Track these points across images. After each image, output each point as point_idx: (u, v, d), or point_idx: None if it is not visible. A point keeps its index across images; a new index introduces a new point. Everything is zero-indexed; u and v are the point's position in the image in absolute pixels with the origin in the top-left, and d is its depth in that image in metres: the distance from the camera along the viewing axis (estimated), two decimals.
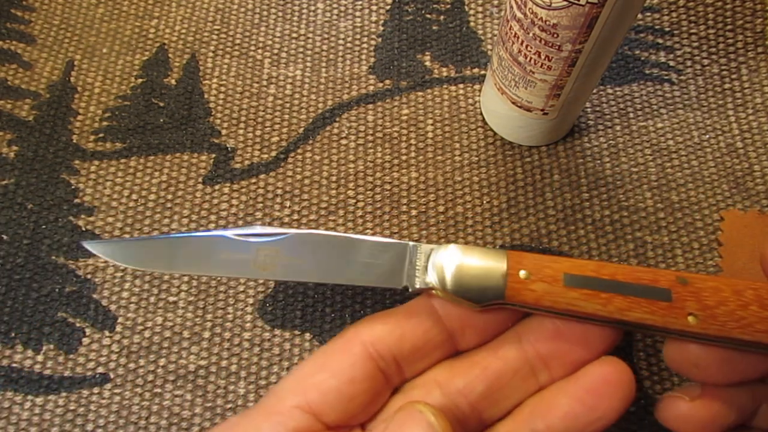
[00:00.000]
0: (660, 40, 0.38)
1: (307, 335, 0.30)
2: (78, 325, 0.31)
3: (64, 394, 0.29)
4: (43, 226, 0.33)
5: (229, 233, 0.21)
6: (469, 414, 0.21)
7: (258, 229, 0.21)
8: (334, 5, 0.40)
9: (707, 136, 0.36)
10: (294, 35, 0.39)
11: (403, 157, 0.35)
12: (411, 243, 0.21)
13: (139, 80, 0.37)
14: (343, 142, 0.35)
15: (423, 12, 0.40)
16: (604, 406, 0.20)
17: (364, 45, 0.38)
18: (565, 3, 0.25)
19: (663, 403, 0.22)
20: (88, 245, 0.21)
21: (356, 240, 0.21)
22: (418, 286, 0.21)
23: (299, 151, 0.35)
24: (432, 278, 0.20)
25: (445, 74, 0.37)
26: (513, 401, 0.22)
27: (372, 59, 0.38)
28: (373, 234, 0.33)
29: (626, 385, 0.20)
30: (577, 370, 0.21)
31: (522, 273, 0.20)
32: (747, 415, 0.22)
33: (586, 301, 0.20)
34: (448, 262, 0.20)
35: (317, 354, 0.21)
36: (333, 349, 0.21)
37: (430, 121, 0.36)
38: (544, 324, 0.22)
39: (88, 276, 0.32)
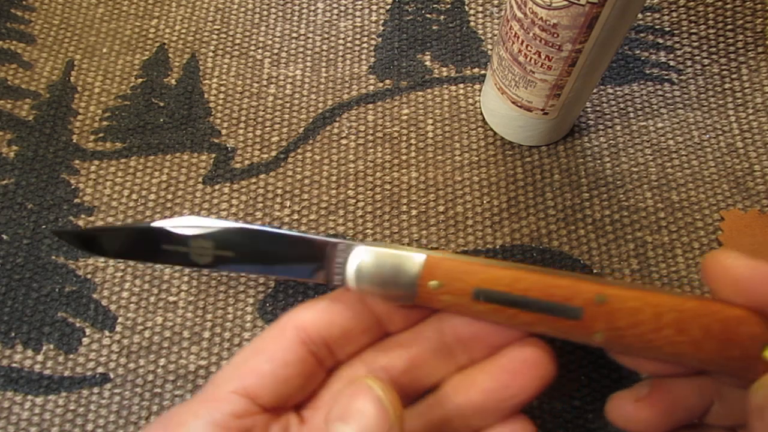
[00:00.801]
0: (660, 40, 0.38)
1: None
2: (78, 325, 0.31)
3: (64, 394, 0.29)
4: (43, 226, 0.33)
5: (168, 225, 0.21)
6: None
7: (193, 221, 0.21)
8: (334, 5, 0.40)
9: (707, 136, 0.36)
10: (294, 35, 0.39)
11: (403, 157, 0.35)
12: (333, 240, 0.21)
13: (139, 80, 0.37)
14: (343, 142, 0.35)
15: (423, 12, 0.40)
16: (519, 384, 0.21)
17: (364, 45, 0.38)
18: (565, 3, 0.25)
19: (610, 404, 0.23)
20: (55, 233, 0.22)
21: (281, 235, 0.21)
22: (335, 284, 0.21)
23: (299, 151, 0.35)
24: (346, 277, 0.21)
25: (445, 74, 0.37)
26: (433, 379, 0.23)
27: (372, 59, 0.38)
28: (372, 234, 0.33)
29: (544, 365, 0.21)
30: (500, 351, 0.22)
31: (432, 283, 0.20)
32: (697, 413, 0.22)
33: (492, 315, 0.20)
34: (361, 262, 0.20)
35: (254, 341, 0.22)
36: (268, 336, 0.21)
37: (430, 121, 0.36)
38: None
39: (88, 276, 0.32)
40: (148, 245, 0.22)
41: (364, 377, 0.20)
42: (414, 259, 0.20)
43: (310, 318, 0.21)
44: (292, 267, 0.21)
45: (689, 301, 0.19)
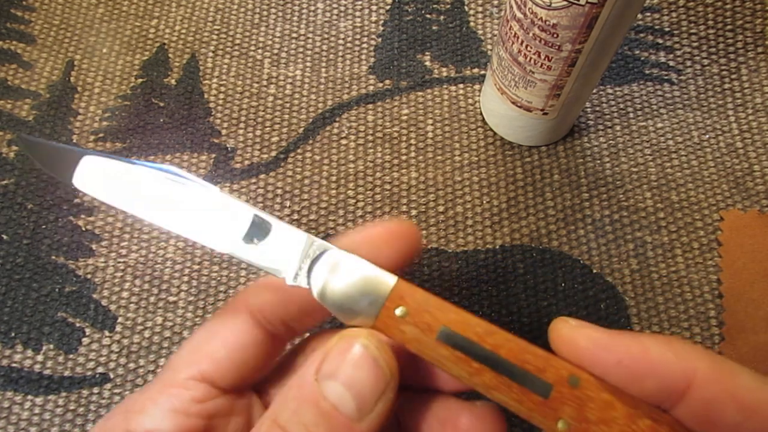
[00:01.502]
0: (660, 40, 0.38)
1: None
2: (78, 325, 0.31)
3: (64, 394, 0.29)
4: (43, 226, 0.33)
5: (149, 163, 0.21)
6: None
7: (176, 170, 0.21)
8: (334, 5, 0.40)
9: (707, 136, 0.36)
10: (294, 35, 0.39)
11: (403, 157, 0.35)
12: (307, 237, 0.20)
13: (139, 80, 0.37)
14: (343, 142, 0.35)
15: (423, 12, 0.40)
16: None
17: (364, 45, 0.38)
18: (565, 3, 0.25)
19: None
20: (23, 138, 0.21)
21: (260, 219, 0.20)
22: (296, 284, 0.19)
23: (299, 151, 0.35)
24: (308, 281, 0.19)
25: (445, 74, 0.38)
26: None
27: (372, 59, 0.38)
28: None
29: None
30: None
31: (398, 310, 0.18)
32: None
33: (454, 364, 0.18)
34: (327, 271, 0.19)
35: (208, 323, 0.21)
36: (223, 318, 0.21)
37: (430, 121, 0.36)
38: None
39: (88, 276, 0.32)
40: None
41: (353, 332, 0.18)
42: (385, 279, 0.19)
43: (266, 298, 0.20)
44: (259, 253, 0.20)
45: (667, 415, 0.17)
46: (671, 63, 0.38)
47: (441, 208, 0.34)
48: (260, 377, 0.22)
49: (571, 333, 0.18)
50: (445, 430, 0.20)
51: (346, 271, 0.19)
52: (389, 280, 0.19)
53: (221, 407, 0.20)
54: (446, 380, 0.21)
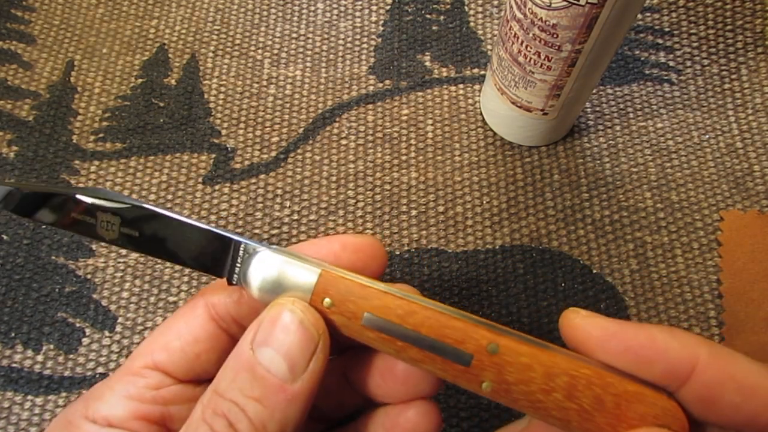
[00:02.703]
0: (660, 40, 0.38)
1: None
2: (78, 325, 0.31)
3: (64, 394, 0.29)
4: (43, 226, 0.33)
5: (78, 194, 0.21)
6: None
7: (105, 194, 0.21)
8: (334, 5, 0.40)
9: (707, 136, 0.36)
10: (294, 35, 0.39)
11: (403, 157, 0.35)
12: (236, 239, 0.21)
13: (139, 80, 0.37)
14: (343, 142, 0.35)
15: (423, 12, 0.40)
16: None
17: (364, 45, 0.38)
18: (564, 3, 0.25)
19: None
20: None
21: (186, 224, 0.21)
22: (234, 283, 0.21)
23: (299, 151, 0.35)
24: (242, 280, 0.20)
25: (445, 74, 0.38)
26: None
27: (372, 59, 0.38)
28: (372, 233, 0.33)
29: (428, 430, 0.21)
30: None
31: (326, 301, 0.20)
32: None
33: (381, 344, 0.20)
34: (257, 269, 0.20)
35: (168, 318, 0.22)
36: (181, 312, 0.22)
37: (430, 121, 0.36)
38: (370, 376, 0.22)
39: (88, 276, 0.32)
40: (57, 209, 0.21)
41: (282, 300, 0.20)
42: (311, 272, 0.20)
43: (220, 297, 0.21)
44: (193, 257, 0.21)
45: (585, 368, 0.18)
46: (671, 63, 0.38)
47: (441, 208, 0.34)
48: (215, 370, 0.22)
49: (582, 323, 0.19)
50: (385, 380, 0.21)
51: (273, 268, 0.20)
52: (313, 273, 0.20)
53: (177, 395, 0.21)
54: None
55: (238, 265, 0.21)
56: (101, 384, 0.21)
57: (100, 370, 0.30)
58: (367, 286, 0.20)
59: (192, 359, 0.21)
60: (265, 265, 0.20)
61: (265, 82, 0.37)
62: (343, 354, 0.23)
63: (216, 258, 0.21)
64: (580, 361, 0.19)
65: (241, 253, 0.21)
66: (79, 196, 0.21)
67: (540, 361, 0.19)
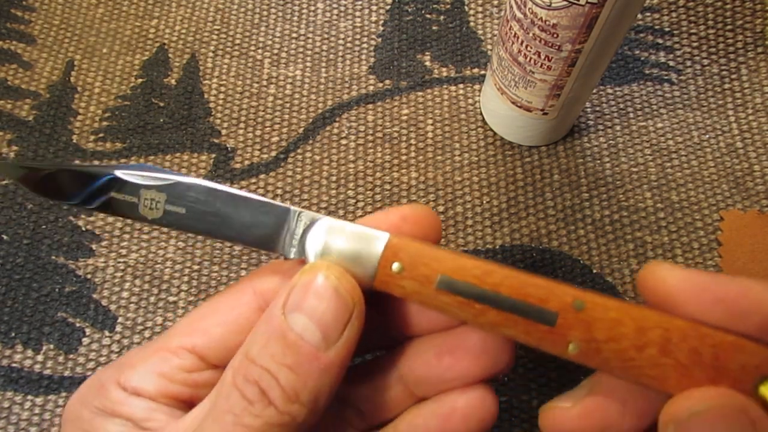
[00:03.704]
0: (660, 40, 0.38)
1: None
2: (78, 325, 0.31)
3: (64, 394, 0.29)
4: (43, 226, 0.33)
5: (119, 172, 0.20)
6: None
7: (148, 170, 0.20)
8: (334, 5, 0.40)
9: (707, 136, 0.36)
10: (294, 35, 0.39)
11: (403, 157, 0.35)
12: (294, 209, 0.20)
13: (139, 80, 0.37)
14: (343, 142, 0.35)
15: (423, 12, 0.40)
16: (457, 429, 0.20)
17: (364, 45, 0.38)
18: (564, 3, 0.25)
19: (542, 417, 0.20)
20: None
21: (239, 197, 0.20)
22: (291, 257, 0.20)
23: (299, 151, 0.35)
24: (301, 252, 0.19)
25: (445, 74, 0.38)
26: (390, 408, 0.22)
27: (372, 59, 0.38)
28: None
29: (485, 419, 0.20)
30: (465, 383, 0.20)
31: (395, 266, 0.18)
32: (647, 423, 0.19)
33: (458, 309, 0.18)
34: (318, 238, 0.19)
35: (213, 298, 0.21)
36: (226, 296, 0.21)
37: (430, 121, 0.36)
38: (428, 351, 0.21)
39: (88, 276, 0.32)
40: (96, 191, 0.20)
41: (316, 264, 0.19)
42: (377, 237, 0.19)
43: (271, 283, 0.20)
44: (245, 232, 0.20)
45: (677, 320, 0.17)
46: (671, 63, 0.38)
47: (441, 208, 0.34)
48: None
49: (671, 275, 0.18)
50: (457, 358, 0.20)
51: (339, 234, 0.19)
52: (382, 237, 0.19)
53: (209, 380, 0.20)
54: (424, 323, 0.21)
55: (296, 236, 0.19)
56: (137, 351, 0.20)
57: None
58: (440, 249, 0.19)
59: (232, 348, 0.20)
60: (328, 232, 0.19)
61: (265, 82, 0.37)
62: (395, 349, 0.22)
63: (270, 232, 0.20)
64: (671, 315, 0.17)
65: (301, 222, 0.19)
66: (119, 174, 0.20)
67: (630, 315, 0.17)
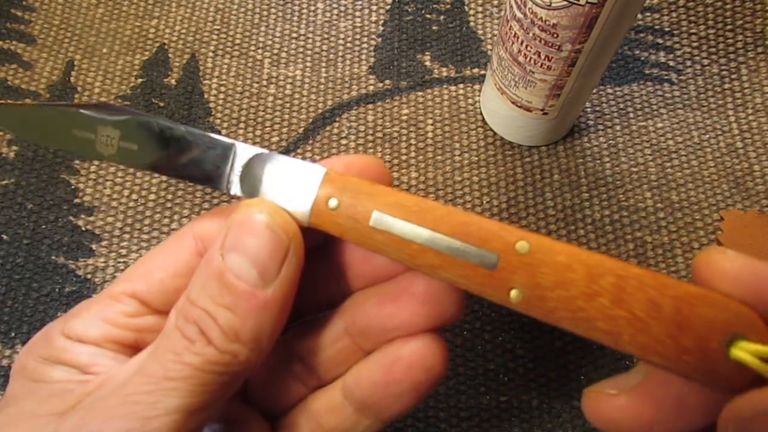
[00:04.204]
0: (660, 40, 0.38)
1: None
2: None
3: None
4: (43, 226, 0.33)
5: (83, 109, 0.20)
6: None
7: (107, 107, 0.20)
8: (334, 5, 0.40)
9: (707, 136, 0.36)
10: (294, 35, 0.39)
11: (403, 157, 0.35)
12: (237, 143, 0.19)
13: (139, 80, 0.37)
14: (343, 142, 0.35)
15: (423, 12, 0.40)
16: (402, 381, 0.19)
17: (364, 45, 0.38)
18: (565, 3, 0.25)
19: (587, 399, 0.19)
20: None
21: (187, 132, 0.20)
22: (232, 193, 0.19)
23: (299, 151, 0.35)
24: (242, 188, 0.19)
25: (445, 74, 0.38)
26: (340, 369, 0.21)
27: (372, 59, 0.38)
28: None
29: (432, 367, 0.19)
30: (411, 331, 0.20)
31: (332, 202, 0.18)
32: (702, 425, 0.17)
33: (393, 248, 0.17)
34: (256, 172, 0.19)
35: (157, 245, 0.21)
36: (167, 242, 0.21)
37: (430, 121, 0.36)
38: (369, 300, 0.20)
39: (88, 276, 0.32)
40: (58, 127, 0.20)
41: (249, 202, 0.18)
42: (315, 171, 0.18)
43: (210, 227, 0.20)
44: (193, 167, 0.20)
45: (633, 268, 0.15)
46: (671, 63, 0.38)
47: None
48: None
49: (729, 262, 0.16)
50: (401, 305, 0.19)
51: (276, 169, 0.18)
52: (319, 171, 0.18)
53: (153, 325, 0.20)
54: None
55: (237, 171, 0.19)
56: (83, 303, 0.20)
57: None
58: (378, 185, 0.18)
59: (171, 293, 0.20)
60: (265, 166, 0.19)
61: (265, 82, 0.37)
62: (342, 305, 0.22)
63: (215, 168, 0.19)
64: (628, 264, 0.16)
65: (242, 157, 0.19)
66: (82, 111, 0.20)
67: (580, 259, 0.16)
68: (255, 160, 0.19)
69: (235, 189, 0.19)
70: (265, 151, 0.19)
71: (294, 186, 0.18)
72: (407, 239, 0.17)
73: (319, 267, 0.21)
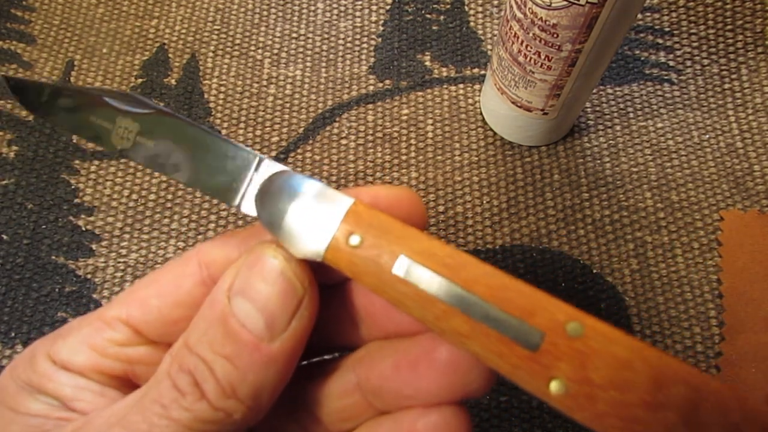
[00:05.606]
0: (660, 40, 0.38)
1: None
2: None
3: None
4: (43, 226, 0.33)
5: (108, 97, 0.19)
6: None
7: (132, 98, 0.19)
8: (334, 5, 0.40)
9: (707, 136, 0.36)
10: (294, 35, 0.39)
11: (403, 157, 0.35)
12: (261, 156, 0.17)
13: (139, 80, 0.37)
14: (343, 142, 0.35)
15: (423, 12, 0.40)
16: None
17: (364, 45, 0.38)
18: (565, 3, 0.25)
19: None
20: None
21: (210, 136, 0.18)
22: (243, 211, 0.17)
23: (299, 151, 0.35)
24: (252, 206, 0.17)
25: (445, 74, 0.38)
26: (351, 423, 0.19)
27: (372, 59, 0.38)
28: None
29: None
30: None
31: (353, 239, 0.15)
32: None
33: (416, 304, 0.14)
34: (274, 192, 0.16)
35: (159, 269, 0.19)
36: (170, 266, 0.19)
37: (430, 121, 0.36)
38: (385, 359, 0.18)
39: (88, 276, 0.32)
40: (75, 111, 0.19)
41: (262, 245, 0.16)
42: (339, 200, 0.16)
43: (217, 255, 0.18)
44: (207, 176, 0.18)
45: (712, 381, 0.12)
46: (671, 63, 0.38)
47: (441, 208, 0.34)
48: None
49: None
50: (418, 373, 0.17)
51: (298, 192, 0.16)
52: (345, 201, 0.15)
53: (145, 356, 0.18)
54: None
55: (255, 187, 0.17)
56: (74, 321, 0.19)
57: None
58: (411, 228, 0.15)
59: (168, 324, 0.18)
60: (286, 186, 0.16)
61: (265, 82, 0.37)
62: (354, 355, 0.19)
63: (231, 180, 0.17)
64: (701, 373, 0.12)
65: (262, 172, 0.17)
66: (106, 98, 0.18)
67: (643, 356, 0.12)
68: (276, 178, 0.17)
69: (247, 207, 0.17)
70: (288, 169, 0.17)
71: (314, 214, 0.16)
72: (434, 296, 0.14)
73: (335, 307, 0.19)
